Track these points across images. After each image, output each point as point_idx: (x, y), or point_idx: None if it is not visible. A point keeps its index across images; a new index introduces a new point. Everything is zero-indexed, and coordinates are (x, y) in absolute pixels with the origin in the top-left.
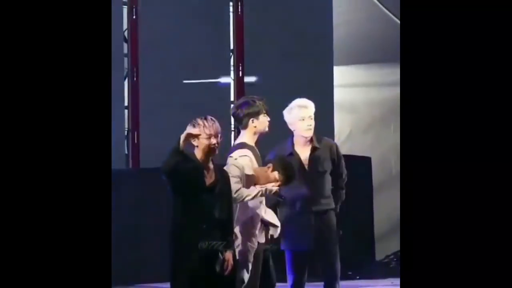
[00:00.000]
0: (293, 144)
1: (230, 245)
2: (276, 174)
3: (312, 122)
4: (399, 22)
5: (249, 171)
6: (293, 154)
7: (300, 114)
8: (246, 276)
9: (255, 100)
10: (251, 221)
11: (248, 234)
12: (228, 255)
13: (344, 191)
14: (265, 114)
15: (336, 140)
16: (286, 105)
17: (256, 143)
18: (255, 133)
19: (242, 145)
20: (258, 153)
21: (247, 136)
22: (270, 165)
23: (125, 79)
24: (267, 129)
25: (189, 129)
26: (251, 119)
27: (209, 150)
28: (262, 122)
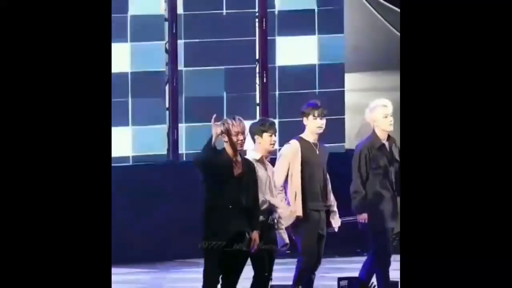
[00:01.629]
0: (379, 138)
1: (256, 226)
2: (273, 137)
3: (392, 119)
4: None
5: (257, 155)
6: (384, 146)
7: (384, 112)
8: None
9: (318, 104)
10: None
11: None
12: (255, 235)
13: None
14: (317, 117)
15: (346, 137)
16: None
17: (318, 139)
18: (312, 132)
19: (296, 138)
20: (314, 146)
21: (306, 132)
22: (272, 134)
23: (166, 84)
24: (317, 130)
25: (217, 128)
26: (304, 117)
27: (237, 145)
28: (312, 122)
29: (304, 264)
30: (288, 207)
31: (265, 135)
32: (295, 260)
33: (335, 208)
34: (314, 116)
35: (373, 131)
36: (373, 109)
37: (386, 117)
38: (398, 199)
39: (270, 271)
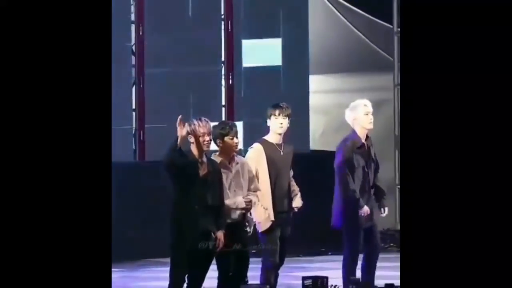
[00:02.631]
0: (360, 137)
1: (221, 226)
2: (235, 139)
3: (372, 117)
4: (365, 38)
5: (217, 159)
6: (364, 145)
7: (365, 110)
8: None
9: (279, 104)
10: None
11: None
12: (220, 234)
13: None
14: (278, 116)
15: (311, 137)
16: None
17: (282, 140)
18: (274, 132)
19: (259, 140)
20: (278, 147)
21: (269, 134)
22: (233, 137)
23: (132, 86)
24: (278, 129)
25: (182, 130)
26: (267, 119)
27: (203, 146)
28: (274, 121)
29: (268, 263)
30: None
31: (226, 138)
32: (259, 259)
33: (297, 192)
34: (275, 115)
35: (353, 131)
36: (354, 108)
37: (367, 114)
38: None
39: (245, 272)
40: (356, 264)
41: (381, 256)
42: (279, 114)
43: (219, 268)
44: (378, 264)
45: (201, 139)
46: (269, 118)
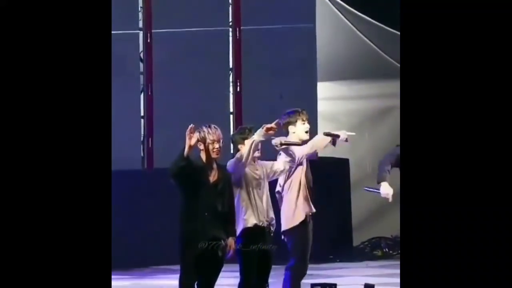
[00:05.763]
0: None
1: (231, 233)
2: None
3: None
4: (372, 44)
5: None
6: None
7: None
8: None
9: (300, 109)
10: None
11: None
12: (230, 241)
13: None
14: (305, 121)
15: None
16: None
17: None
18: (299, 138)
19: None
20: None
21: (293, 140)
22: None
23: (141, 93)
24: (306, 135)
25: (192, 139)
26: (290, 126)
27: (212, 153)
28: (302, 127)
29: (298, 270)
30: None
31: (247, 142)
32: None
33: None
34: (302, 120)
35: None
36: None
37: None
38: None
39: (267, 275)
40: None
41: (390, 263)
42: (305, 120)
43: (241, 271)
44: (386, 271)
45: (210, 146)
46: (294, 125)
